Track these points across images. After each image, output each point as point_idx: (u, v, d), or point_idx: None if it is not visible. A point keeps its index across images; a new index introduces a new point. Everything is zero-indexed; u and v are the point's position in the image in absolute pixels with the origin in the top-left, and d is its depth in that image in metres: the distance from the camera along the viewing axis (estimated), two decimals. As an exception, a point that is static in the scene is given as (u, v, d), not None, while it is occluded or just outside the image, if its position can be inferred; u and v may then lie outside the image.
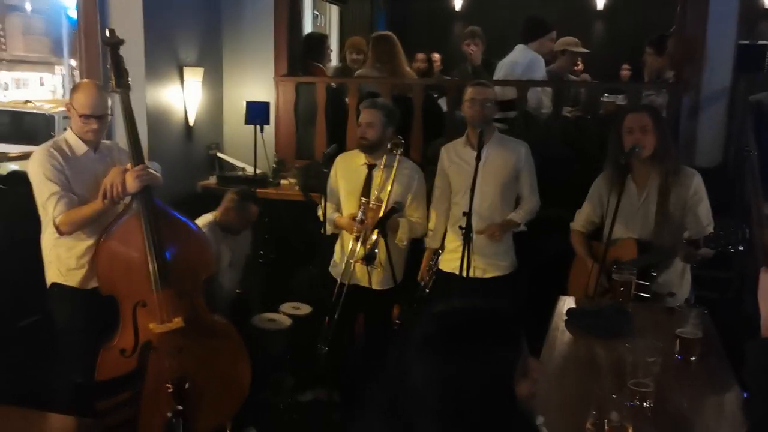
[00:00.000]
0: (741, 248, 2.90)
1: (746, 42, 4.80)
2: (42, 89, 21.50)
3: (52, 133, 9.04)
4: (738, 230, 2.91)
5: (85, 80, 3.57)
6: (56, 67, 21.62)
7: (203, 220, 3.93)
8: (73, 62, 18.63)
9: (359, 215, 3.71)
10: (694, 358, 2.48)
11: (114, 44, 3.31)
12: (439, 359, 1.38)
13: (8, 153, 6.80)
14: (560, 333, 2.73)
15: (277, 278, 4.77)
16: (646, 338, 2.54)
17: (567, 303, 3.08)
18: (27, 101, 10.54)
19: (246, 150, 5.11)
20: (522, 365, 1.41)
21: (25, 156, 5.66)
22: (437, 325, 1.43)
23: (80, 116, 3.17)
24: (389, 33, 5.52)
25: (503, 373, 1.38)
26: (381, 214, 3.63)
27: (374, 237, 3.59)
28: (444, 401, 1.37)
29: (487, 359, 1.38)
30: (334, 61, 7.71)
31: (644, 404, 2.03)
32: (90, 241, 3.24)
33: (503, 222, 3.76)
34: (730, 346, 2.71)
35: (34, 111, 9.66)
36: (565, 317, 2.87)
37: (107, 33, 3.36)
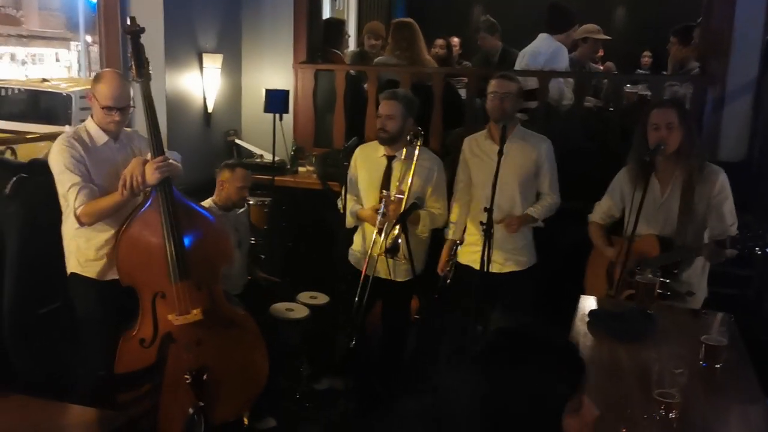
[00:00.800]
0: (768, 250, 2.87)
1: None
2: (57, 65, 21.57)
3: (69, 112, 9.03)
4: (766, 232, 2.87)
5: (108, 70, 3.53)
6: (72, 43, 21.65)
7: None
8: (89, 38, 18.64)
9: (381, 208, 3.68)
10: (719, 366, 2.44)
11: (135, 33, 3.25)
12: (489, 377, 1.35)
13: (26, 134, 6.82)
14: (582, 337, 2.68)
15: (294, 267, 4.77)
16: (671, 345, 2.50)
17: (588, 303, 3.04)
18: (44, 80, 10.51)
19: (264, 137, 5.09)
20: (575, 401, 1.38)
21: (43, 137, 5.65)
22: (489, 343, 1.40)
23: (102, 108, 3.15)
24: (410, 20, 5.44)
25: (552, 405, 1.36)
26: (402, 207, 3.61)
27: (396, 230, 3.56)
28: (484, 419, 1.34)
29: (536, 386, 1.35)
30: (351, 46, 7.65)
31: (670, 415, 2.01)
32: (109, 233, 3.24)
33: (521, 215, 3.71)
34: (751, 346, 2.68)
35: (51, 90, 9.62)
36: (587, 319, 2.83)
37: (128, 21, 3.30)
